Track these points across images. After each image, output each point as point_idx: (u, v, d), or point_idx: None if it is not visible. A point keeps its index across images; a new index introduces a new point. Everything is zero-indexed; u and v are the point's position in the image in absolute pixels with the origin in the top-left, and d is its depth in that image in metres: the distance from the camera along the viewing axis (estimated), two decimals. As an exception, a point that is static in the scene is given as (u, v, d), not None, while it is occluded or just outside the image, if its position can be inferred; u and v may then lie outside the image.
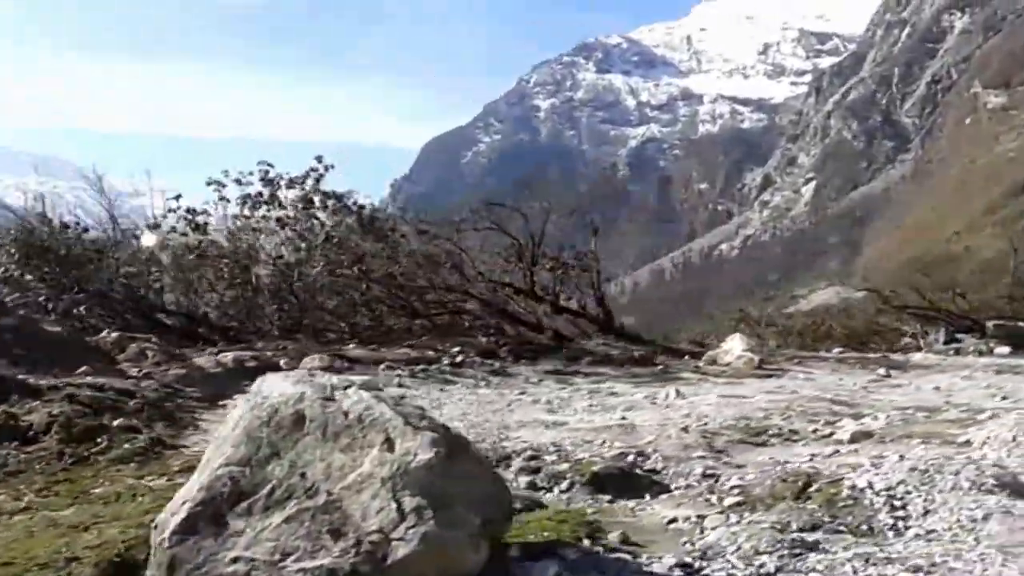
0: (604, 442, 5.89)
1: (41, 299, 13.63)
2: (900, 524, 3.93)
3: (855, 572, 3.36)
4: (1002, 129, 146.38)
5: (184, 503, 3.18)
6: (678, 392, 8.49)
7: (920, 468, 4.65)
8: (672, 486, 4.96)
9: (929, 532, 3.81)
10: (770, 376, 11.15)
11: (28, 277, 14.29)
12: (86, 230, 14.75)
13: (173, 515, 3.17)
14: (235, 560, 3.04)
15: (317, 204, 15.10)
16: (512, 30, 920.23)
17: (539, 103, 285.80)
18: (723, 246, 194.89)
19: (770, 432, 6.26)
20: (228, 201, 14.78)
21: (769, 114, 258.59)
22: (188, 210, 14.62)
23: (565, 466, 5.21)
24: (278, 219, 14.71)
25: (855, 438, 5.87)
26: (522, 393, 8.97)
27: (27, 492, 4.97)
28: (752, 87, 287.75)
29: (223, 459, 3.26)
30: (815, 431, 6.30)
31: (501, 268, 16.76)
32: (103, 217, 15.97)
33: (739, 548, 3.67)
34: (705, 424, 6.54)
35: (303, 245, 15.11)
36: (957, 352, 16.49)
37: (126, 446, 5.93)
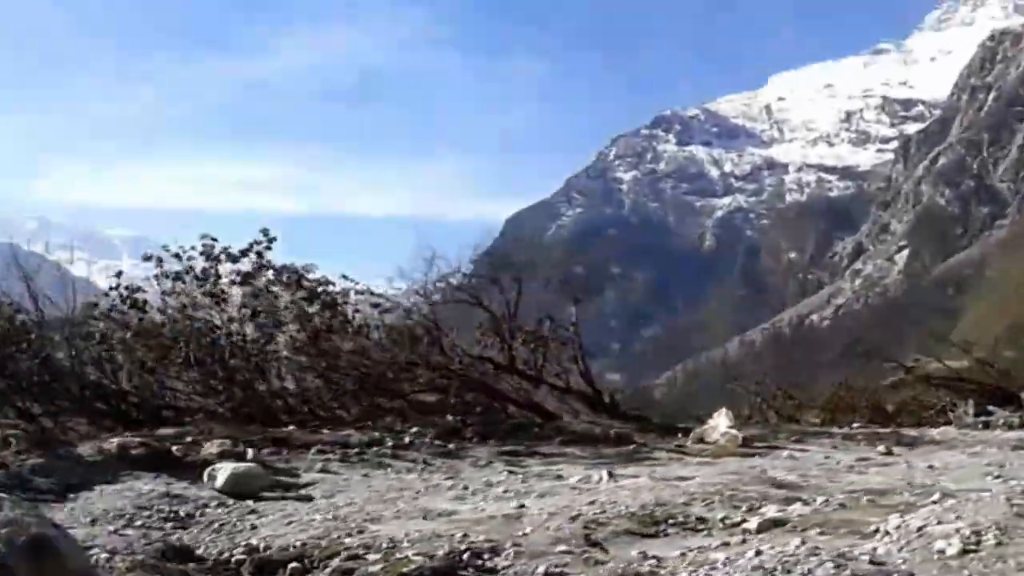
0: (464, 536, 5.74)
1: None
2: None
3: None
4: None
5: None
6: (611, 475, 8.21)
7: (768, 567, 4.59)
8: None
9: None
10: (751, 455, 10.88)
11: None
12: (18, 310, 13.80)
13: None
14: None
15: (267, 278, 14.42)
16: (586, 105, 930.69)
17: (621, 175, 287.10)
18: (814, 316, 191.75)
19: (675, 521, 6.14)
20: (169, 277, 14.13)
21: (856, 181, 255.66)
22: (127, 287, 14.01)
23: (378, 568, 5.18)
24: (212, 294, 14.02)
25: (763, 527, 5.72)
26: (451, 478, 8.68)
27: None
28: (837, 155, 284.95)
29: None
30: (727, 519, 6.18)
31: (484, 343, 16.04)
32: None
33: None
34: (604, 512, 6.36)
35: (262, 320, 14.31)
36: (986, 426, 16.06)
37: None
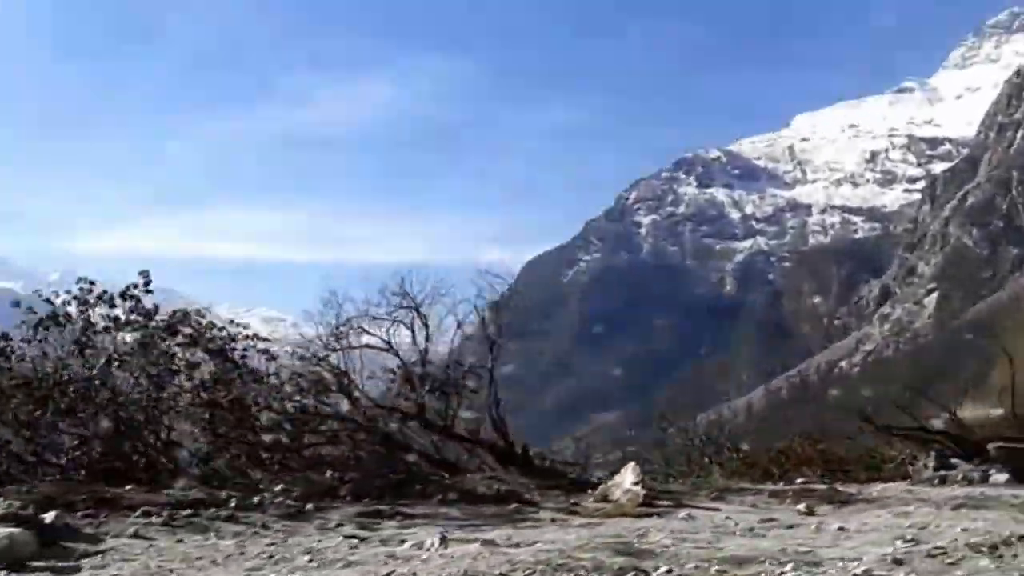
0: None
1: None
2: None
3: None
4: None
5: None
6: (443, 541, 7.71)
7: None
8: None
9: None
10: (647, 515, 10.41)
11: None
12: None
13: None
14: None
15: (154, 324, 13.85)
16: (608, 147, 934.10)
17: (640, 219, 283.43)
18: (843, 363, 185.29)
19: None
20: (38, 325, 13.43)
21: (882, 223, 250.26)
22: None
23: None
24: (78, 342, 13.35)
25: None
26: (273, 544, 8.05)
27: None
28: (862, 196, 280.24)
29: None
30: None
31: (396, 392, 15.39)
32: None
33: None
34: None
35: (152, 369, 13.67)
36: (943, 481, 15.58)
37: None
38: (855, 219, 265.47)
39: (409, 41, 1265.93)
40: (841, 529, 8.83)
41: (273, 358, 15.21)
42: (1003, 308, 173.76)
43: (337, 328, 15.76)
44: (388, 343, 16.02)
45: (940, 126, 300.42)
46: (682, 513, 10.47)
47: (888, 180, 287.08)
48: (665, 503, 11.40)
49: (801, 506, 10.90)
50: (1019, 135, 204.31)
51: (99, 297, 13.57)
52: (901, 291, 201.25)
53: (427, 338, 15.83)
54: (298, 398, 14.73)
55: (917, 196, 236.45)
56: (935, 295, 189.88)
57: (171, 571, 6.93)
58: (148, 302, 14.36)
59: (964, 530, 8.32)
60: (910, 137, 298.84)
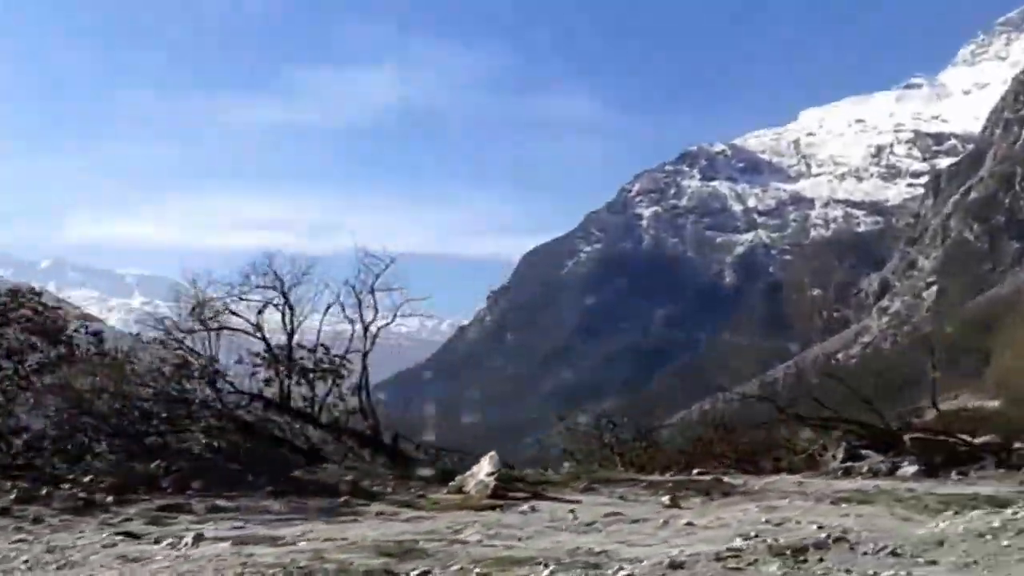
0: None
1: None
2: None
3: None
4: None
5: None
6: (197, 539, 7.40)
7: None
8: None
9: None
10: (493, 508, 10.10)
11: None
12: None
13: None
14: None
15: None
16: (613, 140, 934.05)
17: (642, 211, 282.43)
18: (840, 355, 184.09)
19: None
20: None
21: (885, 217, 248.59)
22: None
23: None
24: None
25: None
26: (20, 541, 7.68)
27: None
28: (866, 190, 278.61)
29: None
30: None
31: (263, 378, 14.99)
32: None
33: None
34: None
35: None
36: (846, 472, 15.46)
37: None
38: (857, 213, 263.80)
39: (413, 32, 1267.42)
40: (689, 524, 8.89)
41: (102, 341, 14.65)
42: (1002, 302, 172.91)
43: (195, 310, 15.45)
44: (258, 327, 15.79)
45: (947, 122, 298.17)
46: (525, 506, 10.33)
47: (892, 175, 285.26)
48: (520, 494, 11.26)
49: (666, 499, 10.86)
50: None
51: None
52: (901, 284, 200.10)
53: (292, 321, 15.79)
54: (153, 384, 14.25)
55: (920, 191, 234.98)
56: (934, 288, 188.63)
57: None
58: None
59: (820, 527, 8.26)
60: (916, 132, 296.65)
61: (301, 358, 15.49)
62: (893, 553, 6.71)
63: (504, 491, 11.25)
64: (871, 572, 6.21)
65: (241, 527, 8.73)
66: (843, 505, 10.44)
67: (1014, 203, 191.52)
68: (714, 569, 6.22)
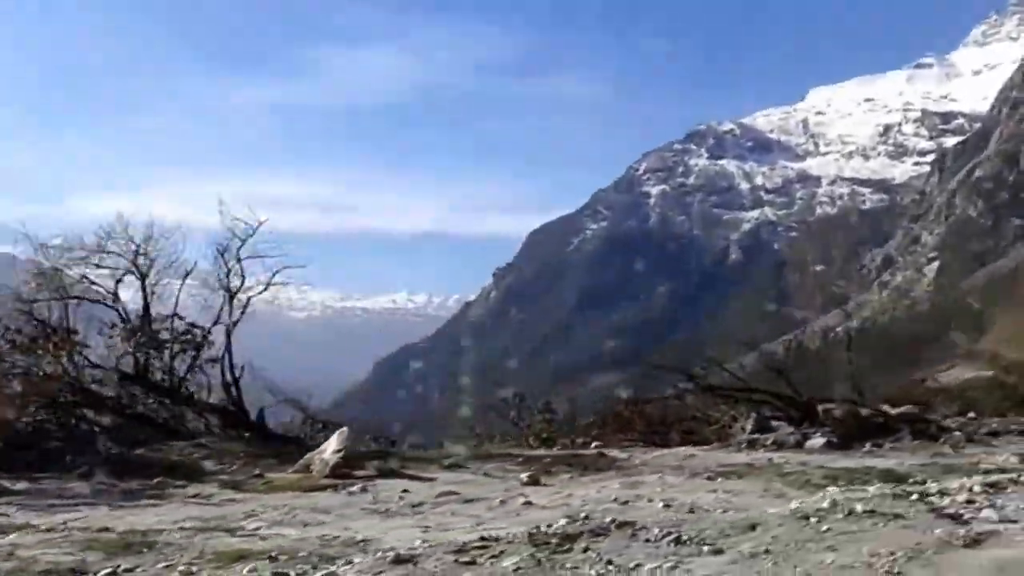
0: None
1: None
2: None
3: None
4: None
5: None
6: None
7: None
8: None
9: None
10: (327, 488, 9.86)
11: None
12: None
13: None
14: None
15: None
16: (621, 119, 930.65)
17: (649, 189, 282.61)
18: (839, 328, 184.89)
19: None
20: None
21: (891, 195, 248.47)
22: None
23: None
24: None
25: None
26: None
27: None
28: (873, 168, 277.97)
29: None
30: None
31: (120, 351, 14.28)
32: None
33: None
34: None
35: None
36: (751, 444, 15.10)
37: None
38: (863, 191, 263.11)
39: (419, 11, 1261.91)
40: (527, 504, 8.62)
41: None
42: (1003, 277, 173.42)
43: (41, 278, 14.54)
44: (115, 296, 14.95)
45: (956, 101, 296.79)
46: (358, 487, 9.96)
47: (900, 153, 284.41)
48: (365, 473, 10.89)
49: (525, 476, 10.54)
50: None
51: None
52: (903, 260, 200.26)
53: (145, 289, 14.95)
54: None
55: (927, 169, 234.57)
56: (936, 263, 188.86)
57: None
58: None
59: (667, 505, 8.17)
60: (924, 112, 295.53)
61: (163, 330, 14.64)
62: (678, 540, 6.21)
63: (347, 470, 10.82)
64: (633, 564, 5.72)
65: (3, 514, 8.32)
66: (718, 480, 10.13)
67: (1018, 181, 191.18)
68: (446, 562, 5.84)
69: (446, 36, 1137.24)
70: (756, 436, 15.93)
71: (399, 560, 5.89)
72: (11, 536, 7.32)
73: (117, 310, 14.63)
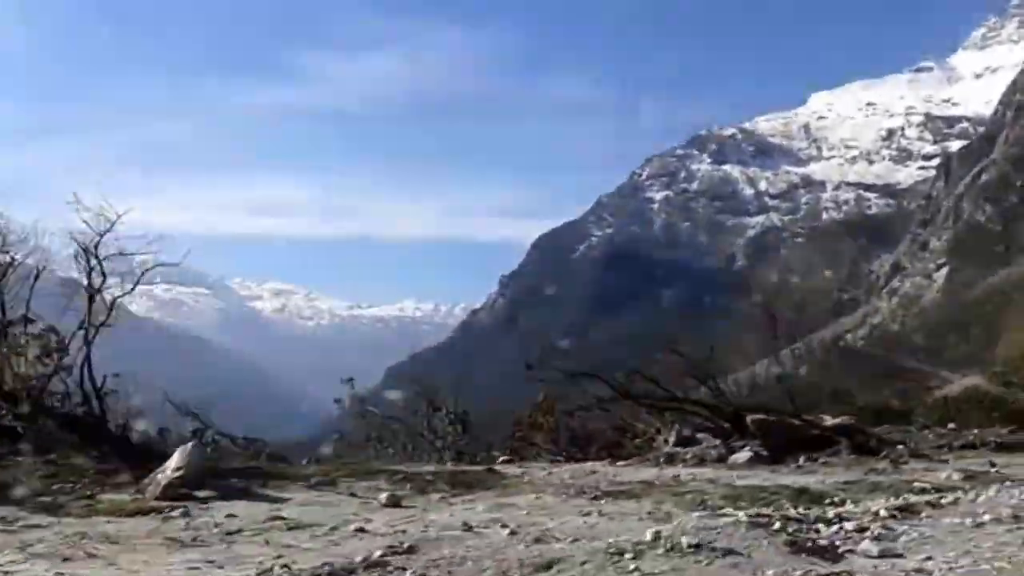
0: None
1: None
2: None
3: None
4: None
5: None
6: None
7: None
8: None
9: None
10: (153, 511, 9.14)
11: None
12: None
13: None
14: None
15: None
16: (623, 125, 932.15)
17: (653, 195, 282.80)
18: (848, 336, 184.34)
19: None
20: None
21: (897, 199, 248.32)
22: None
23: None
24: None
25: None
26: None
27: None
28: (877, 173, 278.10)
29: None
30: None
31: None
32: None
33: None
34: None
35: None
36: (670, 459, 14.27)
37: None
38: (869, 196, 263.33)
39: (420, 15, 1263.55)
40: (359, 531, 7.92)
41: None
42: (1013, 283, 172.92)
43: None
44: None
45: (958, 105, 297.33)
46: (179, 511, 9.17)
47: (904, 157, 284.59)
48: (207, 493, 10.12)
49: (384, 496, 9.83)
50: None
51: None
52: (912, 266, 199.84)
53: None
54: None
55: (932, 173, 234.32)
56: (945, 269, 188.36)
57: None
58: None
59: (513, 533, 7.46)
60: (927, 115, 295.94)
61: (19, 334, 14.06)
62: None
63: (185, 490, 9.99)
64: None
65: None
66: (602, 501, 9.33)
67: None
68: None
69: (448, 39, 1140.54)
70: (677, 450, 15.20)
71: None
72: None
73: None
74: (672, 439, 16.00)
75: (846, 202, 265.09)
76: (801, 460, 13.34)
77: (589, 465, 13.65)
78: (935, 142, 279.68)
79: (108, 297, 14.74)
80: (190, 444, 11.54)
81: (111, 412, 14.13)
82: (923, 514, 7.39)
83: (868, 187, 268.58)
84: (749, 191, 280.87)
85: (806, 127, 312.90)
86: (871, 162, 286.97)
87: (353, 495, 10.37)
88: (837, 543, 6.17)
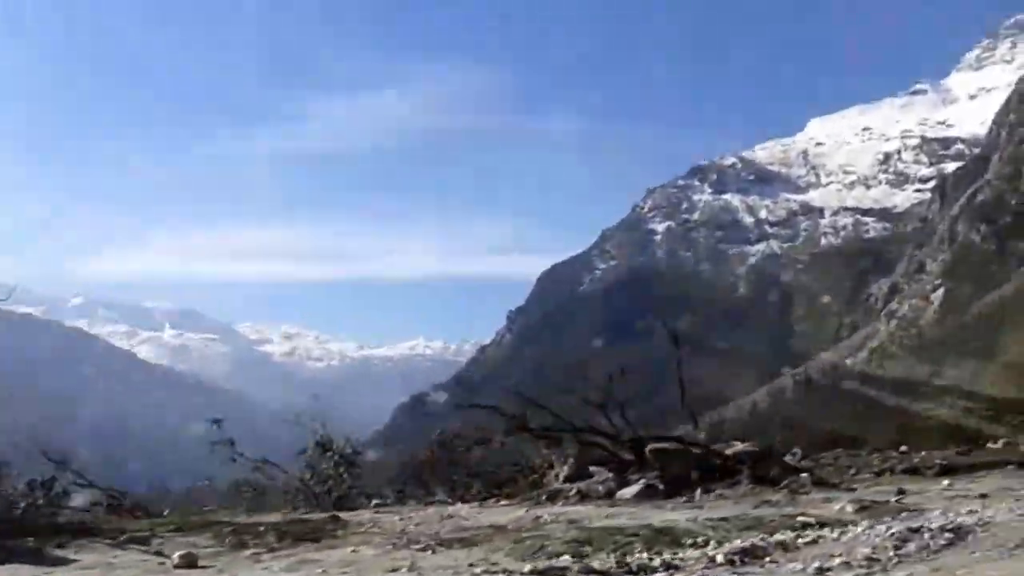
0: None
1: None
2: None
3: None
4: None
5: None
6: None
7: None
8: None
9: None
10: None
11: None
12: None
13: None
14: None
15: None
16: (623, 157, 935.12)
17: (655, 227, 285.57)
18: (848, 360, 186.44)
19: None
20: None
21: (894, 223, 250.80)
22: None
23: None
24: None
25: None
26: None
27: None
28: (875, 197, 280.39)
29: None
30: None
31: None
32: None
33: None
34: None
35: None
36: (552, 497, 13.52)
37: None
38: (867, 220, 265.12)
39: (415, 53, 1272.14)
40: None
41: None
42: (1008, 303, 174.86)
43: None
44: None
45: (953, 126, 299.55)
46: None
47: (900, 181, 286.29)
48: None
49: (177, 556, 8.98)
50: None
51: None
52: (909, 287, 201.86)
53: None
54: None
55: (928, 195, 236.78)
56: (941, 291, 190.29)
57: None
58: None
59: None
60: (923, 138, 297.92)
61: None
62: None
63: None
64: None
65: None
66: (427, 553, 8.58)
67: (1021, 204, 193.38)
68: None
69: (441, 78, 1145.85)
70: (564, 486, 14.35)
71: None
72: None
73: None
74: (563, 473, 15.24)
75: (844, 227, 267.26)
76: (697, 493, 12.83)
77: (452, 508, 12.86)
78: (931, 164, 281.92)
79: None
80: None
81: None
82: (767, 559, 7.03)
83: (865, 212, 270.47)
84: (749, 219, 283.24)
85: (804, 154, 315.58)
86: (868, 187, 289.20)
87: (158, 553, 9.38)
88: None
